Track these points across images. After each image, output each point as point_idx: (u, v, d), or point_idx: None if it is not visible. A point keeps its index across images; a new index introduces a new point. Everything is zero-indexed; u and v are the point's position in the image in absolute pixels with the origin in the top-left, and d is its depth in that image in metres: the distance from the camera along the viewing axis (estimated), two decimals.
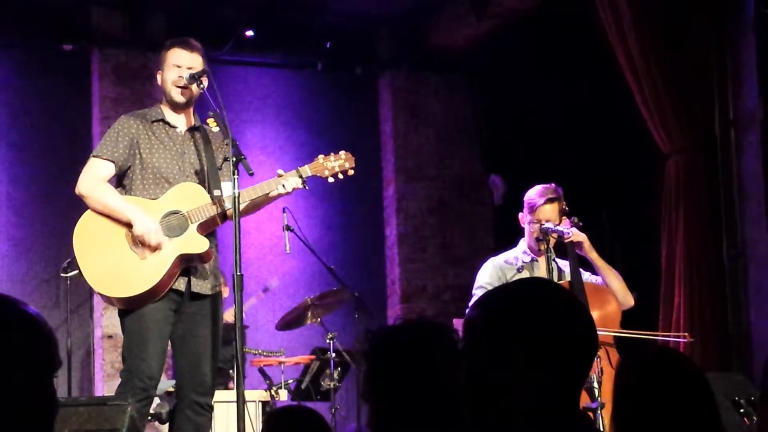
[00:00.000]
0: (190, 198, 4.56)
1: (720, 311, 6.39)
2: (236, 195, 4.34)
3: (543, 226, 5.01)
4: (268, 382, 6.46)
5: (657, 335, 5.15)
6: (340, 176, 4.79)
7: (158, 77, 4.75)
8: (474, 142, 9.22)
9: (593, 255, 5.28)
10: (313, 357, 6.97)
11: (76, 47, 8.10)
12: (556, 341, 1.87)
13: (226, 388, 6.83)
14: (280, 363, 6.67)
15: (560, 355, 1.87)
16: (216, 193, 4.53)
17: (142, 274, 4.46)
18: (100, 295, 4.64)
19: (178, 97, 4.66)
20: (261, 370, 6.64)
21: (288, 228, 6.24)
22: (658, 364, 2.44)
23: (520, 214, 5.35)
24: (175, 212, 4.53)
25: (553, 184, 5.29)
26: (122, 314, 4.57)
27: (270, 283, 8.10)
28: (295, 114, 8.95)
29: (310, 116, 8.95)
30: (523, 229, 5.41)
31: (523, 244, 5.42)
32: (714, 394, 2.38)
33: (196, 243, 4.52)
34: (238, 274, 4.29)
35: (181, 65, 4.65)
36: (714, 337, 6.31)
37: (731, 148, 6.48)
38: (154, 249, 4.47)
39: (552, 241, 5.08)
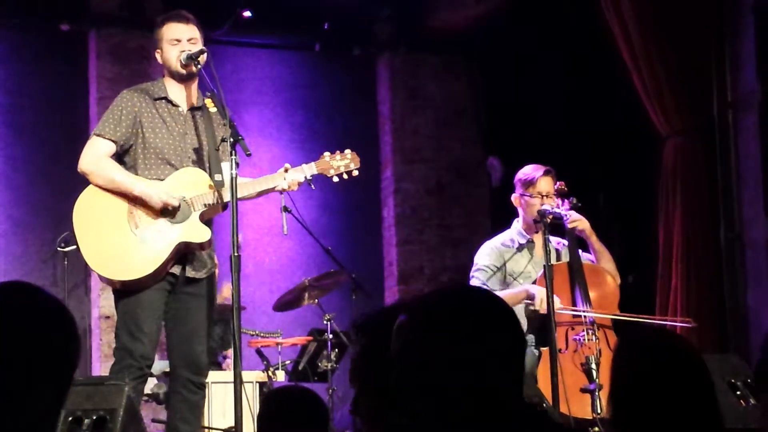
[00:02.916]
0: (194, 183, 4.53)
1: (717, 293, 6.41)
2: (233, 176, 4.33)
3: (541, 208, 4.99)
4: (265, 363, 6.47)
5: (661, 320, 5.16)
6: (345, 176, 4.75)
7: (158, 56, 4.69)
8: (472, 124, 9.21)
9: (593, 238, 5.28)
10: (311, 338, 6.97)
11: (73, 27, 8.07)
12: (480, 342, 1.90)
13: (220, 368, 6.84)
14: (278, 344, 6.68)
15: (487, 355, 1.89)
16: (217, 177, 4.50)
17: (142, 258, 4.44)
18: (99, 275, 4.63)
19: (183, 70, 4.59)
20: (258, 351, 6.65)
21: (286, 209, 6.21)
22: (656, 346, 2.44)
23: (513, 196, 5.35)
24: (180, 197, 4.51)
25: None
26: (118, 294, 4.56)
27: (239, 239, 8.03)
28: (293, 95, 8.93)
29: (308, 97, 8.93)
30: (516, 210, 5.41)
31: (517, 224, 5.42)
32: (711, 376, 2.39)
33: (197, 232, 4.51)
34: (236, 254, 4.29)
35: (180, 39, 4.61)
36: (710, 319, 6.32)
37: (729, 131, 6.48)
38: (168, 217, 4.45)
39: (548, 220, 5.06)
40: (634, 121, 6.79)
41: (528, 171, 5.29)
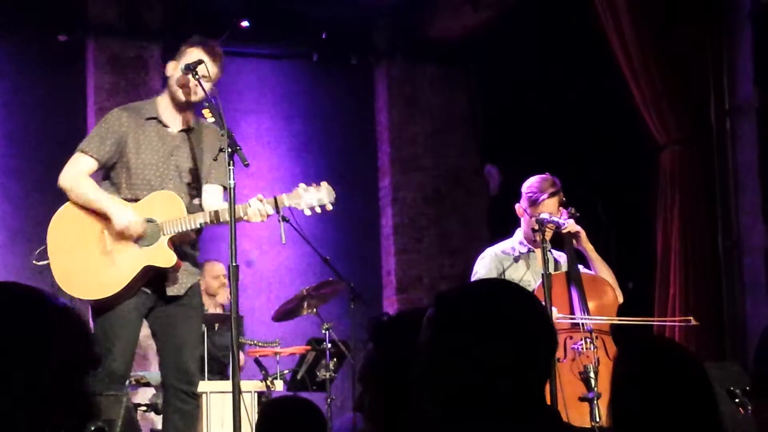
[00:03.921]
0: (168, 207, 4.54)
1: (715, 301, 6.41)
2: (232, 186, 4.33)
3: (539, 217, 4.99)
4: (263, 372, 6.46)
5: (662, 321, 5.13)
6: (318, 210, 4.67)
7: (169, 68, 4.67)
8: (470, 133, 9.21)
9: (588, 246, 5.27)
10: (309, 347, 6.97)
11: (71, 38, 8.08)
12: (513, 338, 1.89)
13: (223, 378, 6.84)
14: (276, 353, 6.67)
15: (519, 353, 1.89)
16: (195, 201, 4.56)
17: (106, 280, 4.48)
18: (67, 294, 4.64)
19: (182, 96, 4.59)
20: (257, 361, 6.64)
21: (284, 218, 6.20)
22: (656, 354, 2.44)
23: (517, 205, 5.33)
24: (151, 221, 4.52)
25: (549, 175, 5.27)
26: (93, 311, 4.60)
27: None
28: (291, 104, 8.94)
29: (306, 107, 8.94)
30: (519, 219, 5.40)
31: (519, 234, 5.41)
32: (712, 384, 2.39)
33: (163, 256, 4.51)
34: (234, 264, 4.29)
35: (207, 76, 4.55)
36: (709, 327, 6.32)
37: (727, 138, 6.49)
38: (138, 239, 4.47)
39: (549, 233, 5.06)
40: (632, 129, 6.79)
41: (535, 188, 5.22)
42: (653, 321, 5.17)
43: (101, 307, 4.53)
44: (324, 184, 4.70)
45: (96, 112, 7.89)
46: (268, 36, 8.60)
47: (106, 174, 4.67)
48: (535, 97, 7.93)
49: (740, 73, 6.39)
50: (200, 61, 4.56)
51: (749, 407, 4.04)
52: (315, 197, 4.66)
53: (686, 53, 6.43)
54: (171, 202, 4.55)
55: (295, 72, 9.01)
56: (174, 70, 4.63)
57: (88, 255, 4.51)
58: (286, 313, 6.85)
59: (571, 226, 5.15)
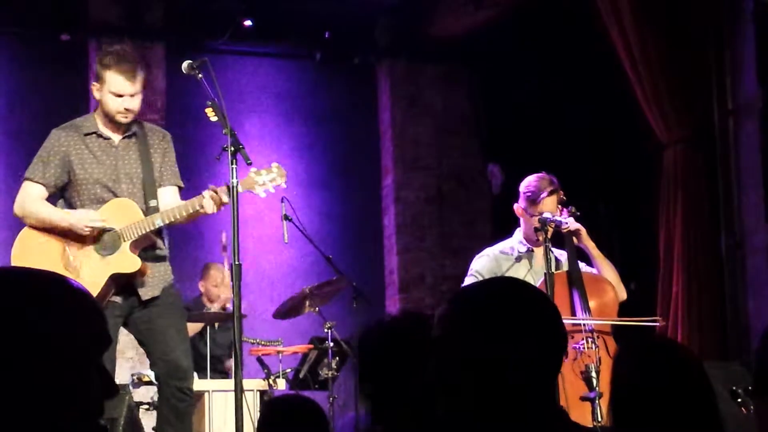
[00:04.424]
0: (124, 214, 4.58)
1: (718, 301, 6.40)
2: (234, 185, 4.35)
3: (541, 216, 4.98)
4: (266, 371, 6.47)
5: (629, 321, 5.12)
6: (272, 190, 4.70)
7: (94, 89, 4.68)
8: (472, 132, 9.21)
9: (590, 244, 5.27)
10: (311, 346, 6.97)
11: (73, 37, 8.09)
12: (526, 337, 1.89)
13: (225, 376, 6.84)
14: (278, 352, 6.67)
15: (531, 351, 1.88)
16: (152, 203, 4.60)
17: None
18: None
19: (124, 120, 4.64)
20: (259, 359, 6.65)
21: (286, 217, 6.24)
22: (656, 354, 2.44)
23: (516, 205, 5.32)
24: (109, 230, 4.56)
25: (546, 174, 5.26)
26: None
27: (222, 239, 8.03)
28: (293, 104, 8.94)
29: (309, 106, 8.94)
30: (518, 219, 5.39)
31: (518, 234, 5.40)
32: (711, 384, 2.39)
33: (127, 262, 4.56)
34: (237, 263, 4.30)
35: (122, 95, 4.59)
36: (712, 326, 6.32)
37: (730, 138, 6.48)
38: (102, 231, 4.51)
39: (550, 231, 5.06)
40: (635, 128, 6.79)
41: (532, 187, 5.21)
42: (619, 321, 5.15)
43: None
44: (275, 165, 4.73)
45: None
46: (270, 35, 8.60)
47: (60, 195, 4.73)
48: (538, 96, 7.93)
49: (743, 73, 6.39)
50: (203, 61, 4.59)
51: (751, 407, 4.03)
52: (267, 178, 4.69)
53: (689, 52, 6.43)
54: (126, 208, 4.60)
55: (297, 71, 9.02)
56: (98, 92, 4.64)
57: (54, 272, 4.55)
58: (288, 311, 6.85)
59: (571, 224, 5.15)
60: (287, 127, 8.88)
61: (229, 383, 5.58)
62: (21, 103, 8.03)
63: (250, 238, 8.16)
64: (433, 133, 9.10)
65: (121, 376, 6.53)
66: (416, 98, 9.10)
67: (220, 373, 6.98)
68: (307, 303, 6.69)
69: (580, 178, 6.47)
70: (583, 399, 4.75)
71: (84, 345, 1.52)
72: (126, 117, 4.64)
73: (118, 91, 4.59)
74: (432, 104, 9.13)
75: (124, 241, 4.55)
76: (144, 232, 4.56)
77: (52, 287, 1.56)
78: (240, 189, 4.59)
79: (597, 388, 4.75)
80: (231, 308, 5.11)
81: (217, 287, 7.41)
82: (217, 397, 6.18)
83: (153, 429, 6.35)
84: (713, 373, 2.45)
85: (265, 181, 4.67)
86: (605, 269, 5.29)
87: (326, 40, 8.60)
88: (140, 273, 4.60)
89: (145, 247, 4.64)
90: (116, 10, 8.15)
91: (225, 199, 4.53)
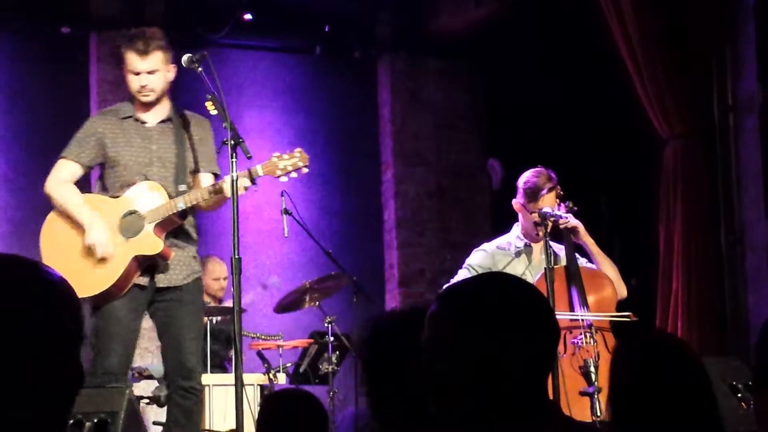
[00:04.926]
0: (150, 197, 4.64)
1: (717, 296, 6.40)
2: (234, 178, 4.36)
3: (541, 211, 4.99)
4: (266, 365, 6.48)
5: (605, 316, 5.12)
6: (294, 174, 4.73)
7: (124, 73, 4.77)
8: (473, 127, 9.21)
9: (588, 240, 5.27)
10: (312, 341, 6.98)
11: (73, 30, 8.07)
12: (516, 333, 1.89)
13: (226, 371, 6.85)
14: (279, 347, 6.68)
15: (521, 347, 1.88)
16: (181, 188, 4.64)
17: (98, 275, 4.57)
18: None
19: (145, 99, 4.72)
20: (259, 354, 6.66)
21: (286, 212, 6.24)
22: (654, 348, 2.44)
23: (514, 200, 5.32)
24: (133, 212, 4.62)
25: (544, 169, 5.26)
26: (91, 311, 4.67)
27: (270, 279, 8.14)
28: (294, 98, 8.93)
29: (309, 100, 8.94)
30: (517, 214, 5.39)
31: (516, 229, 5.40)
32: (710, 379, 2.39)
33: (150, 244, 4.60)
34: (236, 257, 4.30)
35: (139, 72, 4.68)
36: (711, 322, 6.32)
37: (730, 134, 6.48)
38: (102, 260, 4.57)
39: (549, 226, 5.06)
40: (635, 124, 6.79)
41: (531, 183, 5.20)
42: (618, 317, 5.14)
43: (96, 305, 4.60)
44: (297, 150, 4.76)
45: (99, 104, 7.89)
46: (270, 29, 8.59)
47: (99, 175, 4.83)
48: (538, 92, 7.92)
49: (744, 69, 6.38)
50: (203, 54, 4.61)
51: (751, 402, 4.04)
52: (289, 162, 4.71)
53: (690, 47, 6.42)
54: (152, 191, 4.65)
55: (297, 65, 9.01)
56: (126, 78, 4.75)
57: (78, 255, 4.62)
58: (289, 305, 6.86)
59: (570, 220, 5.15)
60: (287, 120, 8.87)
61: (229, 377, 5.59)
62: (21, 97, 8.02)
63: (250, 233, 8.15)
64: (433, 128, 9.09)
65: None
66: (417, 93, 9.10)
67: (218, 367, 6.98)
68: (308, 297, 6.70)
69: (580, 173, 6.46)
70: (582, 394, 4.76)
71: (56, 335, 1.51)
72: (146, 96, 4.69)
73: (133, 68, 4.67)
74: (432, 99, 9.12)
75: (148, 223, 4.59)
76: (167, 215, 4.59)
77: (27, 276, 1.54)
78: (260, 172, 4.64)
79: (596, 383, 4.76)
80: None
81: (217, 280, 7.41)
82: (217, 391, 6.19)
83: (153, 423, 6.38)
84: (713, 369, 2.45)
85: (287, 166, 4.70)
86: (604, 266, 5.29)
87: (326, 34, 8.59)
88: (163, 256, 4.63)
89: (171, 233, 4.68)
90: (117, 3, 8.14)
91: (247, 183, 4.59)
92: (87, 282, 4.54)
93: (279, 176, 4.73)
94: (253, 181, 4.65)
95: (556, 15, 7.47)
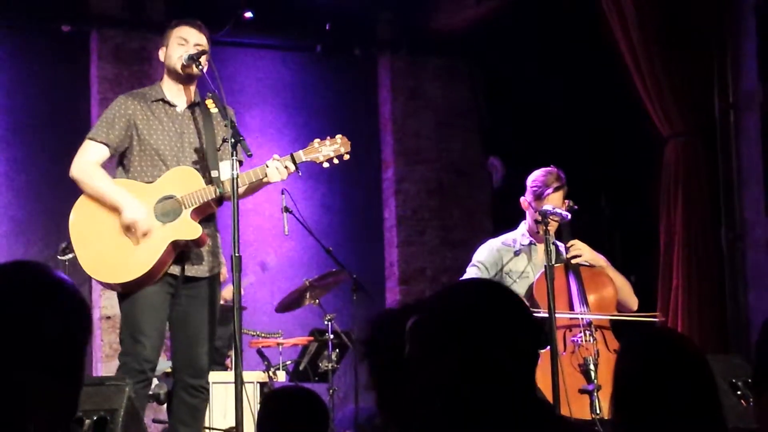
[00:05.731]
0: (185, 182, 4.53)
1: (718, 294, 6.40)
2: (234, 177, 4.34)
3: (542, 209, 4.98)
4: (266, 363, 6.47)
5: (628, 316, 5.14)
6: (336, 161, 4.73)
7: (161, 54, 4.70)
8: (473, 125, 9.21)
9: (598, 263, 5.26)
10: (312, 338, 6.98)
11: (74, 28, 8.07)
12: (495, 340, 1.89)
13: (224, 368, 6.84)
14: (279, 344, 6.68)
15: (502, 354, 1.88)
16: (213, 173, 4.51)
17: (135, 260, 4.45)
18: (98, 281, 4.66)
19: (184, 71, 4.61)
20: (259, 352, 6.65)
21: (287, 210, 6.25)
22: (659, 346, 2.44)
23: (522, 198, 5.32)
24: (170, 197, 4.51)
25: (555, 169, 5.26)
26: (120, 298, 4.59)
27: (267, 260, 8.12)
28: (294, 96, 8.93)
29: (309, 98, 8.94)
30: (524, 212, 5.39)
31: (523, 227, 5.40)
32: (714, 376, 2.39)
33: (188, 229, 4.49)
34: (237, 255, 4.29)
35: (188, 40, 4.61)
36: (712, 319, 6.32)
37: (730, 131, 6.48)
38: (143, 236, 4.46)
39: (554, 226, 5.06)
40: (636, 121, 6.79)
41: (539, 182, 5.21)
42: (619, 316, 5.15)
43: (130, 291, 4.49)
44: (339, 136, 4.77)
45: (99, 102, 7.89)
46: (271, 27, 8.59)
47: (119, 161, 4.68)
48: (538, 90, 7.92)
49: (744, 66, 6.38)
50: (204, 52, 4.58)
51: (751, 399, 4.04)
52: (332, 149, 4.71)
53: (690, 45, 6.42)
54: (188, 176, 4.54)
55: (298, 63, 9.01)
56: (166, 53, 4.67)
57: (113, 240, 4.48)
58: (289, 303, 6.86)
59: (578, 251, 5.15)
60: (288, 119, 8.87)
61: (229, 375, 5.59)
62: (22, 95, 8.01)
63: (250, 230, 8.16)
64: (433, 126, 9.10)
65: None
66: (417, 91, 9.10)
67: (218, 365, 6.98)
68: (308, 295, 6.70)
69: (581, 170, 6.46)
70: (582, 391, 4.76)
71: (63, 339, 1.52)
72: (186, 67, 4.58)
73: (185, 35, 4.60)
74: (433, 97, 9.12)
75: (185, 208, 4.48)
76: (205, 200, 4.49)
77: (39, 282, 1.55)
78: (303, 158, 4.62)
79: (595, 381, 4.76)
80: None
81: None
82: (217, 389, 6.18)
83: (153, 420, 6.38)
84: (713, 366, 2.45)
85: (329, 153, 4.68)
86: (617, 279, 5.29)
87: (327, 32, 8.59)
88: (200, 242, 4.53)
89: (205, 220, 4.58)
90: (118, 1, 8.14)
91: (291, 168, 4.57)
92: (123, 267, 4.44)
93: (321, 162, 4.71)
94: (296, 166, 4.60)
95: (556, 13, 7.47)
